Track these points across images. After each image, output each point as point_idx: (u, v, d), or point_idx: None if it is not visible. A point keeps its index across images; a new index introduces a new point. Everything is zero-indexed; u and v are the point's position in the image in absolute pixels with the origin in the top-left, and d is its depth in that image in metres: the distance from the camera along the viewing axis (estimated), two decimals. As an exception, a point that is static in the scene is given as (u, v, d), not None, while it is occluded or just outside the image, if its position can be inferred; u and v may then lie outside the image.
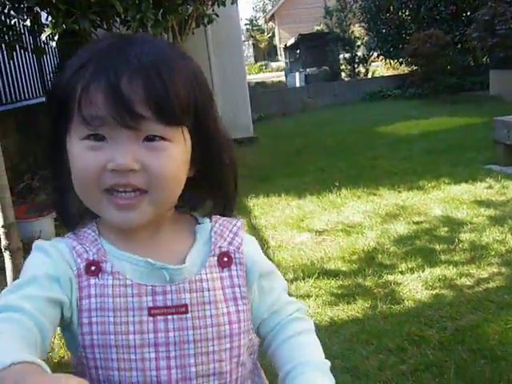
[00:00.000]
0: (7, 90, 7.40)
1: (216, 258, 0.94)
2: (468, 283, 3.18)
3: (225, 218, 1.01)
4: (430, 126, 8.49)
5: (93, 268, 0.89)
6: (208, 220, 1.00)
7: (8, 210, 3.10)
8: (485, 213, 4.31)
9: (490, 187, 4.96)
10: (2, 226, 3.08)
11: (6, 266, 3.15)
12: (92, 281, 0.88)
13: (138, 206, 0.86)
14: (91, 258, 0.89)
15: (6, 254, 3.12)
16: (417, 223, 4.27)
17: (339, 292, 3.21)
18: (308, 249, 3.95)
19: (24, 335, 0.77)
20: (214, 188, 0.99)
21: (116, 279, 0.88)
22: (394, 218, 4.43)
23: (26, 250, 3.67)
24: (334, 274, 3.44)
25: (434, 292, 3.11)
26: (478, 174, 5.38)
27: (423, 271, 3.38)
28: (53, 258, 0.89)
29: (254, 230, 4.40)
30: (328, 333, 2.79)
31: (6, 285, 3.22)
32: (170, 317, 0.88)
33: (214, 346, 0.90)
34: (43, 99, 9.19)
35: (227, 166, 0.98)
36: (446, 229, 4.07)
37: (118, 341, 0.86)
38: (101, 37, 0.94)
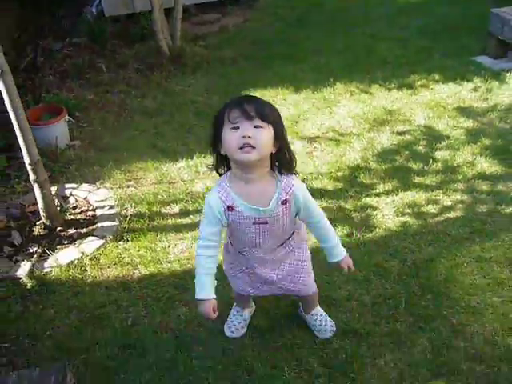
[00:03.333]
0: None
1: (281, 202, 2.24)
2: (433, 211, 3.68)
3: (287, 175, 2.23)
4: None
5: (230, 208, 2.21)
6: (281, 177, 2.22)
7: (32, 149, 3.51)
8: (464, 124, 4.69)
9: (476, 90, 5.26)
10: (29, 164, 3.52)
11: (37, 197, 3.66)
12: (230, 213, 2.23)
13: (252, 152, 2.04)
14: (229, 204, 2.21)
15: (36, 187, 3.61)
16: (400, 134, 4.66)
17: (322, 216, 3.72)
18: (300, 161, 4.35)
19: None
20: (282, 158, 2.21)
21: (240, 214, 2.23)
22: (380, 125, 4.81)
23: (48, 165, 4.13)
24: (320, 195, 3.92)
25: (402, 219, 3.61)
26: (466, 71, 5.62)
27: (397, 194, 3.85)
28: (213, 209, 2.23)
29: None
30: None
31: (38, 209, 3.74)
32: (261, 225, 2.28)
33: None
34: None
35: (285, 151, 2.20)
36: (424, 143, 4.49)
37: (244, 233, 2.32)
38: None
